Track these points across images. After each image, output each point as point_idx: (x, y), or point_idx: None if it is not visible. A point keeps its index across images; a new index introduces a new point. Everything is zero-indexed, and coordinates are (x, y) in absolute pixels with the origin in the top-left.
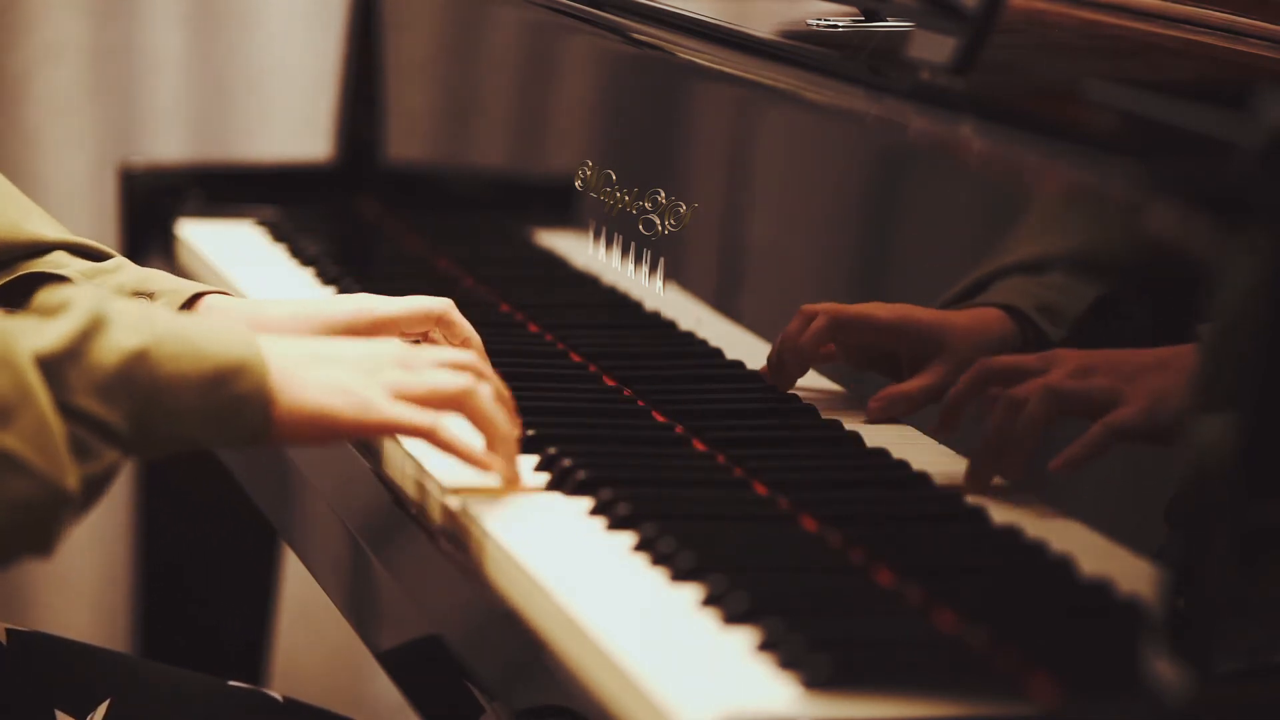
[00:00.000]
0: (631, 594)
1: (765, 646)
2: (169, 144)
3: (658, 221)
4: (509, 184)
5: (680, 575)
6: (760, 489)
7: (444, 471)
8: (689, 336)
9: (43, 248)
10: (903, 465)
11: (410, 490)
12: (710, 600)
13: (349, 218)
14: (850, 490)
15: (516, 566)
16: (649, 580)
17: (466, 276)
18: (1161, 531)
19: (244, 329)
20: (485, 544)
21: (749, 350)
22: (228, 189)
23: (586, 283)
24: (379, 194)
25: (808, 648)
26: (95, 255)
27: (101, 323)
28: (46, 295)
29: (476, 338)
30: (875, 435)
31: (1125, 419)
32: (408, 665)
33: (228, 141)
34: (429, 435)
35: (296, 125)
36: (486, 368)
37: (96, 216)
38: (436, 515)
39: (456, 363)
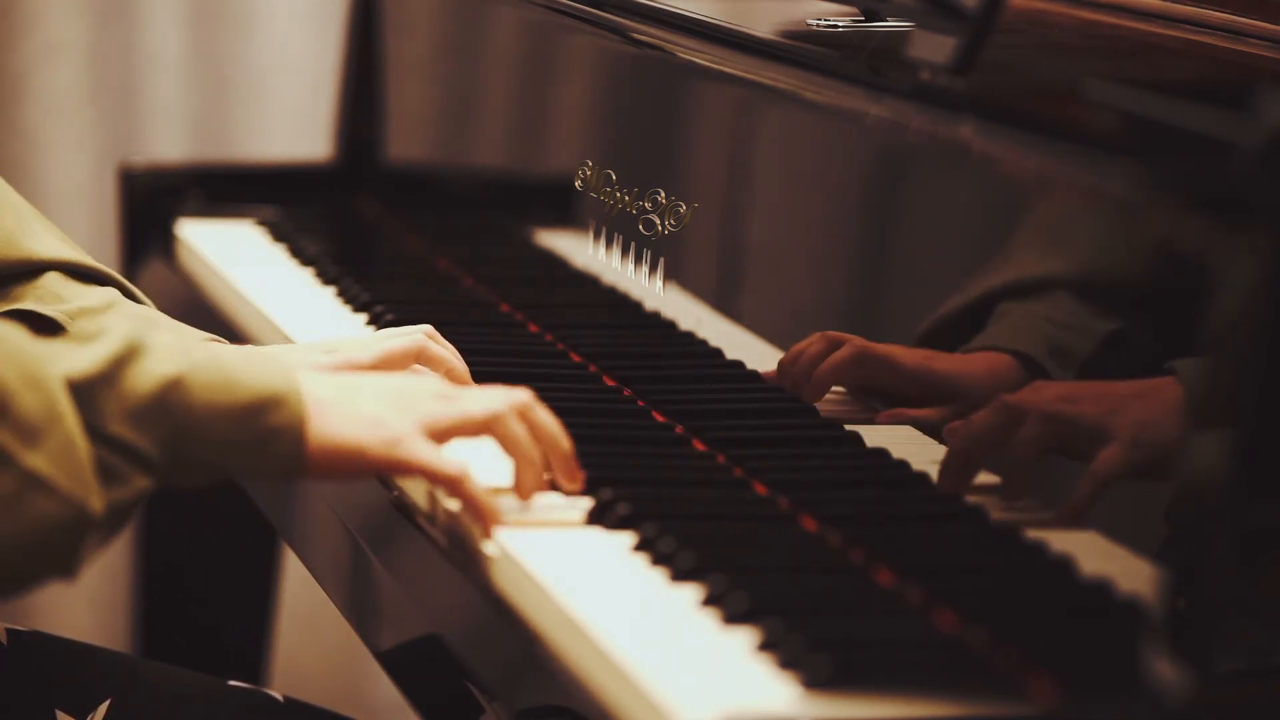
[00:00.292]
0: (631, 594)
1: (765, 646)
2: (169, 144)
3: (658, 221)
4: (509, 184)
5: (680, 575)
6: (760, 489)
7: (471, 474)
8: (689, 336)
9: (35, 268)
10: (903, 465)
11: (410, 491)
12: (710, 600)
13: (349, 218)
14: (850, 490)
15: (516, 566)
16: (649, 580)
17: (466, 276)
18: (1161, 531)
19: (282, 361)
20: (485, 544)
21: (749, 350)
22: (228, 189)
23: (586, 283)
24: (379, 194)
25: (808, 648)
26: (92, 276)
27: (138, 350)
28: (82, 323)
29: (459, 365)
30: (875, 435)
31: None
32: (408, 665)
33: (228, 141)
34: (455, 485)
35: (296, 125)
36: (535, 403)
37: (96, 216)
38: (437, 516)
39: (494, 394)
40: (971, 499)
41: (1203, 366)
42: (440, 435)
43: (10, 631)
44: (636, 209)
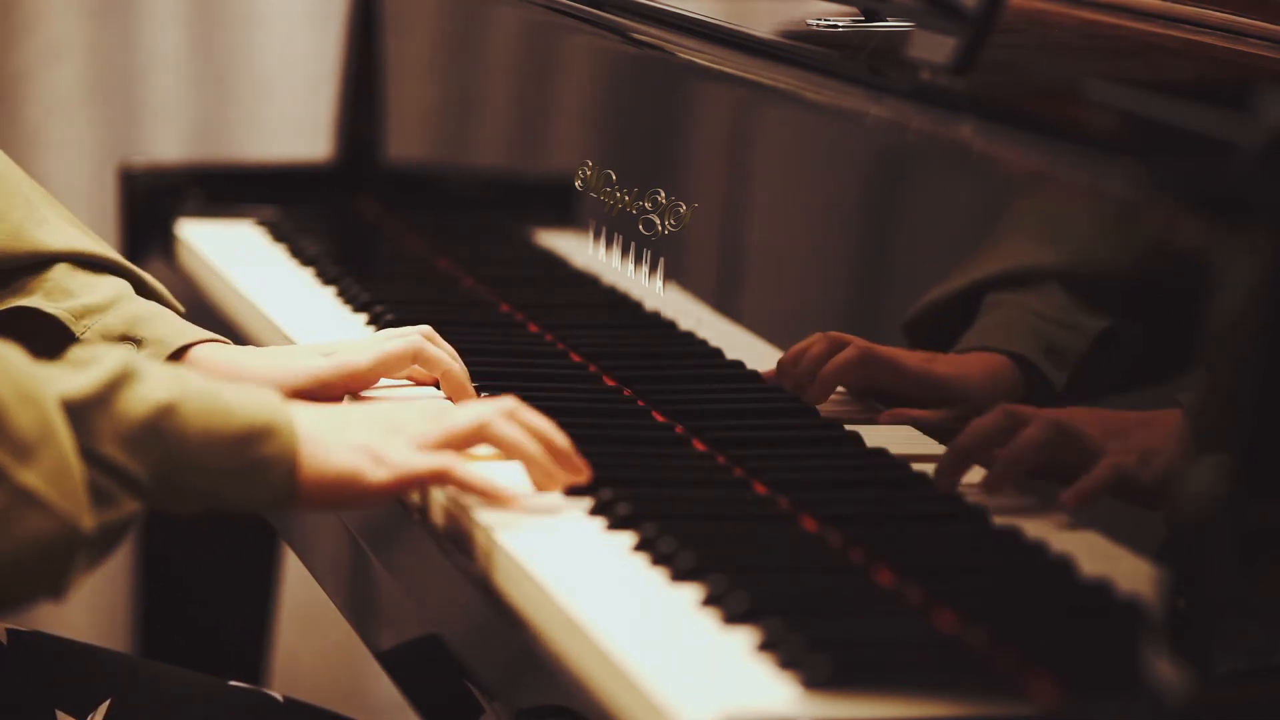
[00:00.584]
0: (631, 594)
1: (765, 646)
2: (169, 144)
3: (658, 221)
4: (509, 184)
5: (680, 575)
6: (760, 489)
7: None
8: (689, 336)
9: (44, 259)
10: (903, 465)
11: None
12: (710, 600)
13: (349, 218)
14: (850, 490)
15: (516, 566)
16: (649, 580)
17: (466, 276)
18: (1161, 531)
19: (274, 392)
20: (485, 544)
21: (749, 350)
22: (228, 189)
23: (586, 283)
24: (379, 194)
25: (808, 648)
26: (101, 265)
27: (132, 375)
28: (78, 350)
29: (454, 367)
30: (875, 435)
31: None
32: (408, 665)
33: (228, 141)
34: (444, 477)
35: (296, 125)
36: (520, 406)
37: (96, 216)
38: (437, 516)
39: (480, 405)
40: (971, 499)
41: (1203, 366)
42: (431, 449)
43: (10, 631)
44: (636, 209)
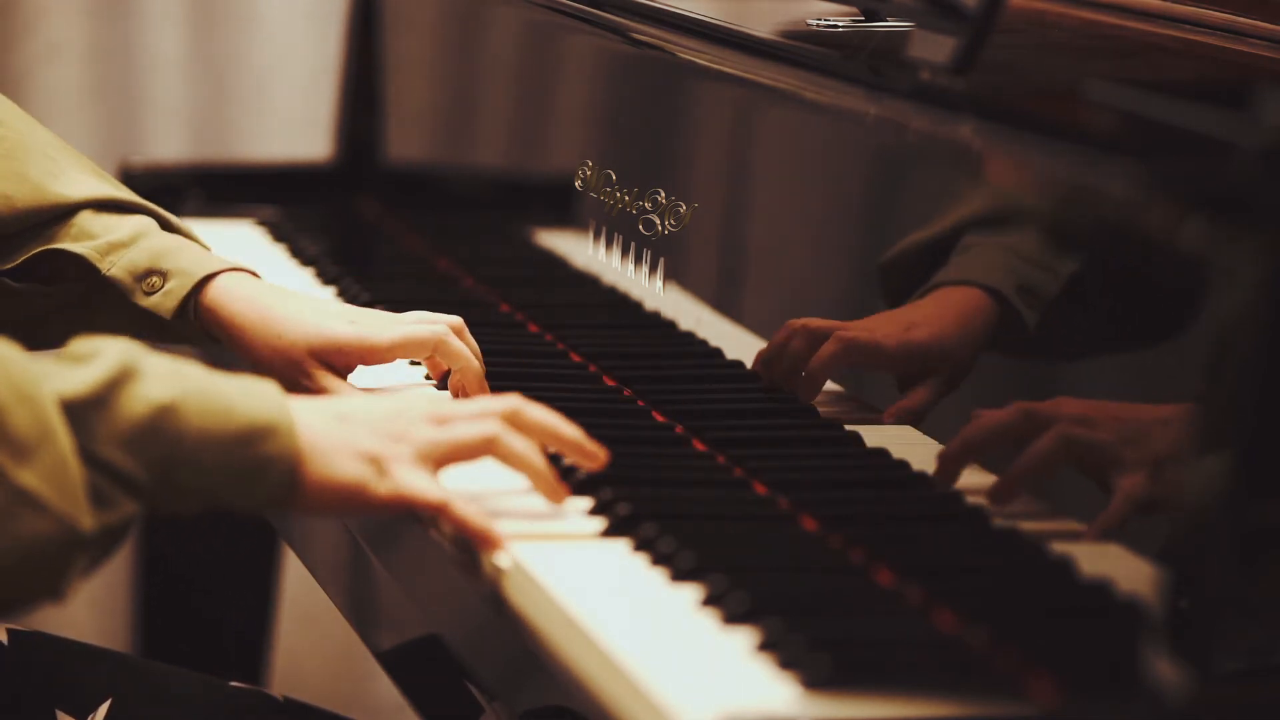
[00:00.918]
0: (632, 594)
1: (765, 646)
2: (169, 144)
3: (658, 221)
4: (509, 184)
5: (680, 575)
6: (760, 489)
7: (444, 473)
8: (689, 336)
9: (68, 209)
10: (903, 465)
11: None
12: (710, 600)
13: (349, 218)
14: (850, 490)
15: (516, 566)
16: (649, 580)
17: (466, 276)
18: (1162, 531)
19: (276, 389)
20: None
21: (749, 350)
22: (228, 189)
23: (586, 283)
24: (379, 194)
25: (808, 648)
26: (124, 206)
27: (131, 373)
28: (78, 343)
29: (473, 364)
30: (875, 435)
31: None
32: (408, 665)
33: (228, 141)
34: (441, 513)
35: (296, 125)
36: (524, 404)
37: None
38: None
39: (486, 411)
40: (971, 499)
41: (1203, 366)
42: (438, 462)
43: (10, 631)
44: (636, 209)
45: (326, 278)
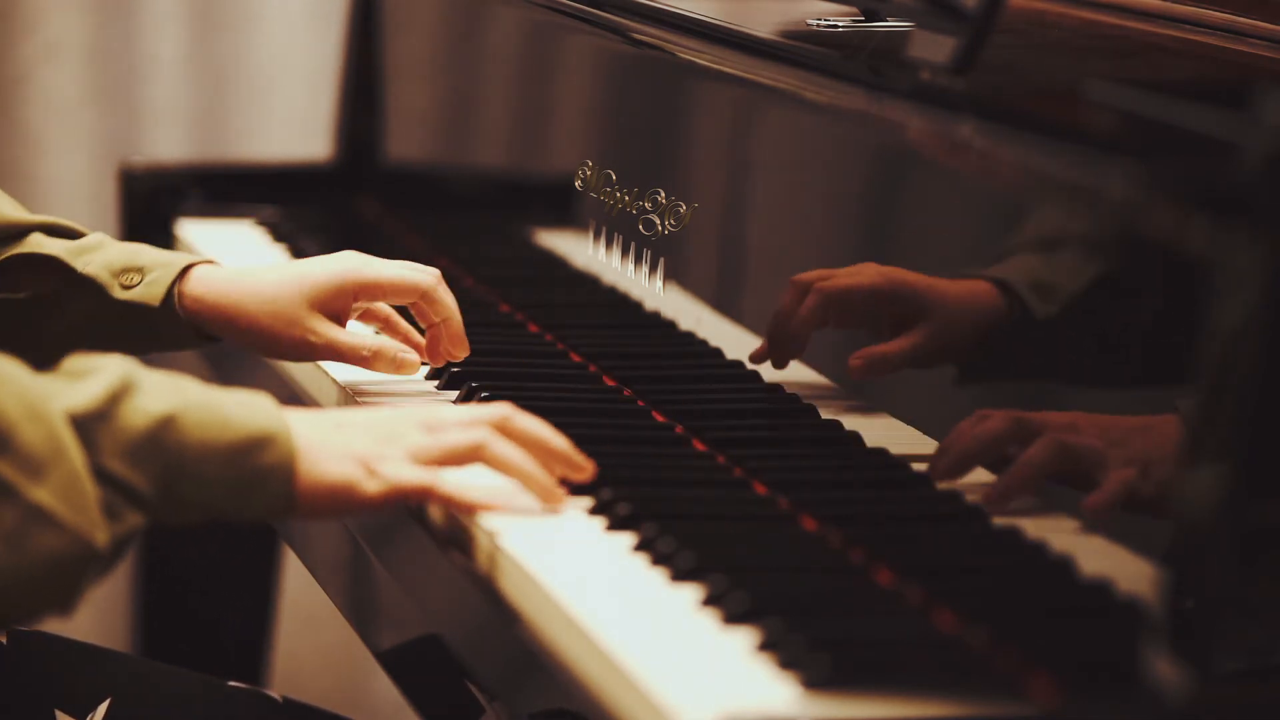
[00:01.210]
0: (632, 594)
1: (765, 646)
2: (169, 144)
3: (658, 221)
4: (509, 184)
5: (680, 575)
6: (760, 489)
7: (444, 473)
8: (689, 336)
9: (18, 230)
10: (903, 465)
11: None
12: (710, 600)
13: (349, 218)
14: (850, 490)
15: (516, 566)
16: (649, 580)
17: (466, 276)
18: (1162, 532)
19: (271, 400)
20: (485, 544)
21: (749, 350)
22: (228, 189)
23: (586, 283)
24: (379, 194)
25: (808, 648)
26: (71, 235)
27: (131, 387)
28: (75, 360)
29: (456, 317)
30: (875, 435)
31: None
32: (408, 665)
33: (228, 141)
34: (429, 494)
35: (296, 125)
36: (514, 413)
37: (96, 217)
38: (437, 516)
39: (476, 419)
40: (971, 499)
41: (1203, 366)
42: (428, 465)
43: (10, 631)
44: (636, 209)
45: None
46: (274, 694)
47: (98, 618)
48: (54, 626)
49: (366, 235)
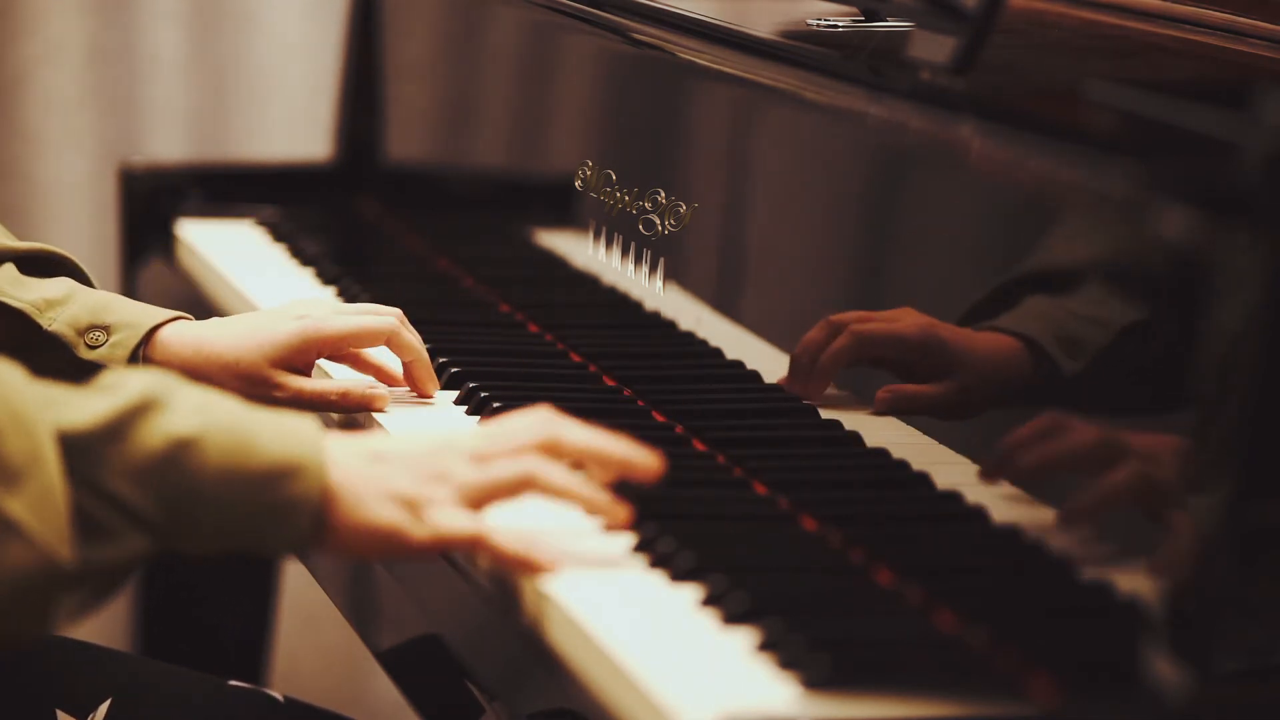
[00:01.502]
0: (631, 594)
1: (765, 646)
2: (169, 144)
3: (658, 221)
4: (509, 184)
5: (680, 575)
6: (760, 489)
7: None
8: (689, 336)
9: None
10: (903, 465)
11: None
12: (710, 600)
13: (349, 218)
14: (850, 490)
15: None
16: (649, 580)
17: (466, 276)
18: (1162, 532)
19: (312, 425)
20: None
21: (749, 350)
22: (228, 189)
23: (586, 283)
24: (379, 194)
25: (808, 648)
26: (48, 259)
27: (154, 405)
28: (110, 375)
29: (423, 357)
30: (875, 435)
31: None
32: (408, 665)
33: (228, 141)
34: (479, 546)
35: (296, 125)
36: (564, 429)
37: (96, 216)
38: None
39: (526, 444)
40: (971, 499)
41: (1203, 366)
42: (477, 504)
43: None
44: (636, 209)
45: (326, 278)
46: (274, 694)
47: (98, 618)
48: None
49: (366, 235)
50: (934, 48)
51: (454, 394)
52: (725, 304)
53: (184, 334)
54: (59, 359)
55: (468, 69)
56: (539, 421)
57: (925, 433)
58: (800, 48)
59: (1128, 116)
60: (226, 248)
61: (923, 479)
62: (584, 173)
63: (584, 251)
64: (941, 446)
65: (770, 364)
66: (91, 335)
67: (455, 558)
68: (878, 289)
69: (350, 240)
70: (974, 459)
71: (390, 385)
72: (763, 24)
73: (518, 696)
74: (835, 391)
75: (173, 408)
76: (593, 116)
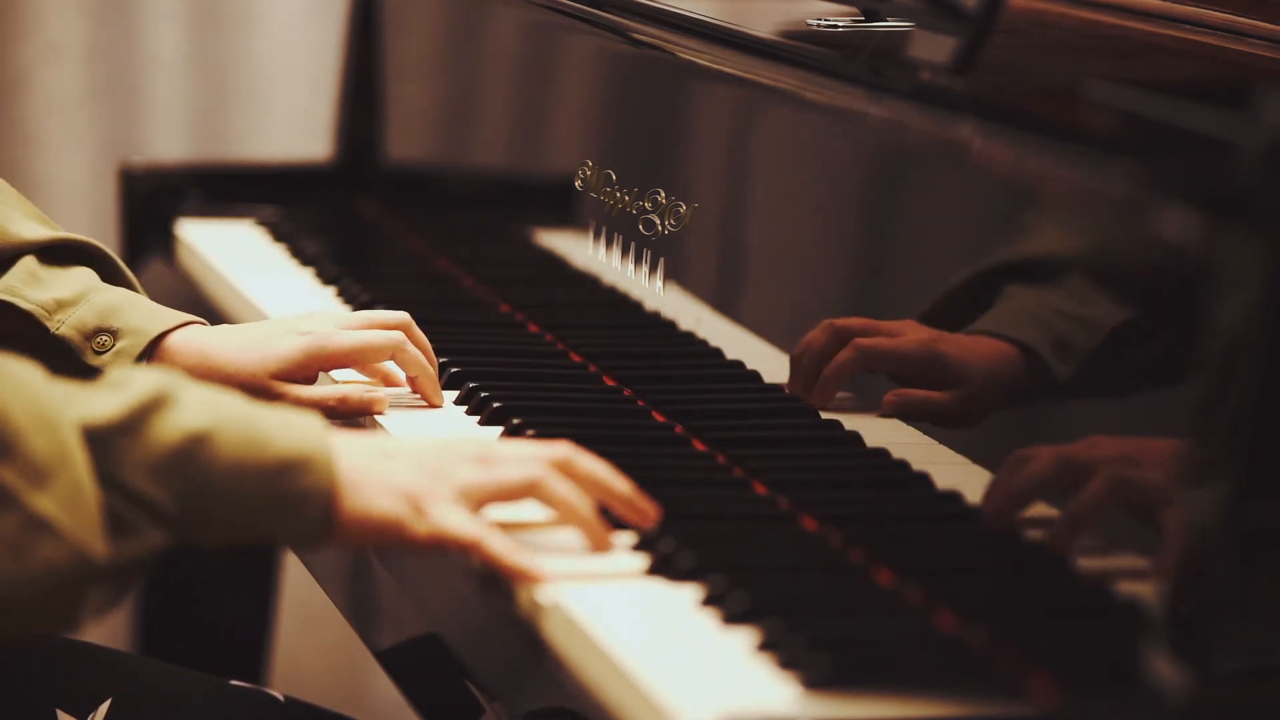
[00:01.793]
0: (631, 594)
1: (765, 646)
2: (169, 144)
3: (658, 221)
4: (509, 184)
5: (680, 575)
6: (760, 489)
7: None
8: (689, 336)
9: (16, 252)
10: (903, 465)
11: None
12: (710, 600)
13: (349, 218)
14: (850, 490)
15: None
16: (649, 580)
17: (466, 276)
18: (1162, 531)
19: (319, 421)
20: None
21: (749, 350)
22: (228, 189)
23: (586, 283)
24: (379, 194)
25: (808, 648)
26: (68, 249)
27: (165, 401)
28: (118, 372)
29: (427, 370)
30: (875, 435)
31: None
32: (408, 665)
33: (228, 141)
34: (474, 550)
35: (296, 125)
36: (578, 454)
37: (96, 217)
38: None
39: (536, 456)
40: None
41: (1203, 366)
42: (478, 503)
43: None
44: (636, 209)
45: (326, 278)
46: (274, 693)
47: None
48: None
49: (366, 235)
50: (934, 48)
51: (454, 394)
52: (725, 304)
53: (190, 343)
54: (67, 363)
55: (468, 69)
56: (557, 446)
57: (925, 433)
58: (800, 48)
59: (1128, 116)
60: (226, 248)
61: (923, 479)
62: (584, 173)
63: (584, 251)
64: (942, 447)
65: (770, 364)
66: (98, 340)
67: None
68: (877, 289)
69: (350, 240)
70: (974, 459)
71: (395, 387)
72: (763, 24)
73: (517, 696)
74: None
75: (182, 403)
76: (593, 116)
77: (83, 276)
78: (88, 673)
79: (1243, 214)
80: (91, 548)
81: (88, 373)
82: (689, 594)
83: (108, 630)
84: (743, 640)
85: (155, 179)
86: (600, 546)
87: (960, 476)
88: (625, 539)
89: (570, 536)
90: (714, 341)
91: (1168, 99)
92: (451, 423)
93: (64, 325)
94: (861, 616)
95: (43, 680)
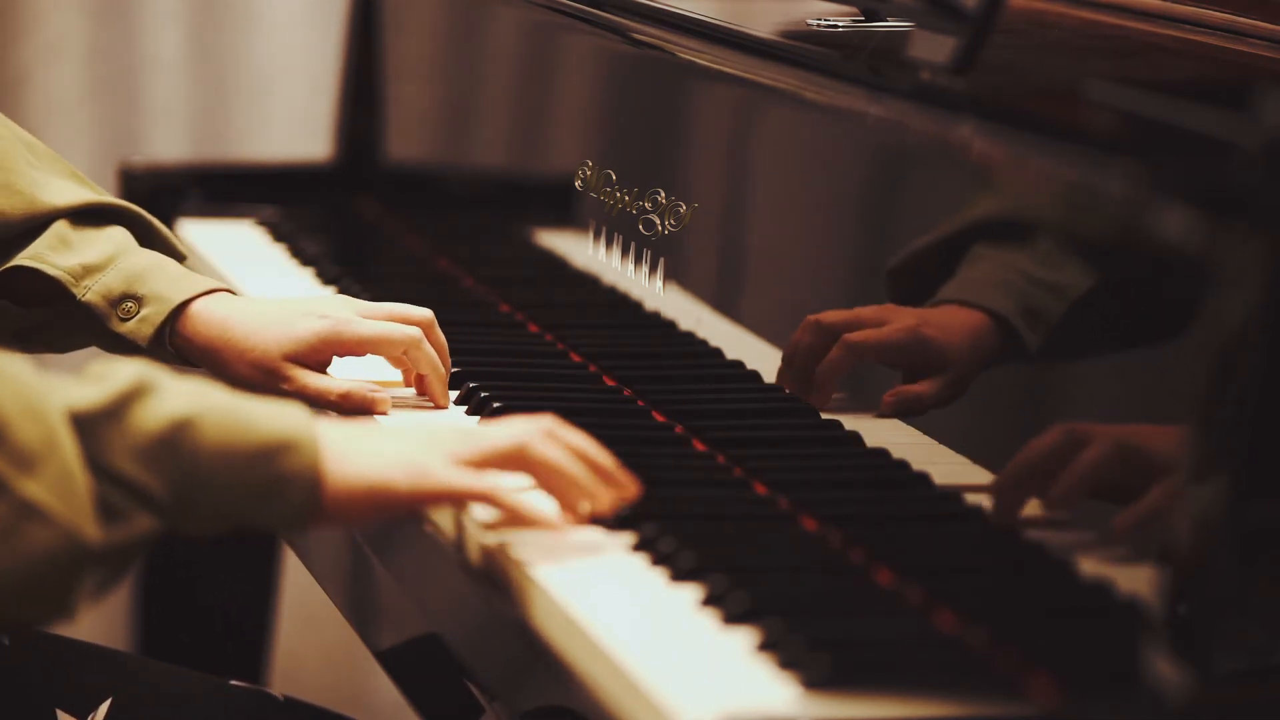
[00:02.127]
0: (631, 594)
1: (765, 646)
2: (169, 144)
3: (658, 221)
4: (509, 184)
5: (680, 575)
6: (760, 489)
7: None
8: (689, 336)
9: (49, 218)
10: (903, 465)
11: None
12: (710, 600)
13: (349, 218)
14: (850, 490)
15: (515, 565)
16: (649, 580)
17: (466, 276)
18: (1161, 532)
19: (303, 410)
20: (484, 543)
21: (749, 350)
22: (228, 189)
23: (586, 283)
24: (379, 194)
25: (808, 648)
26: (101, 212)
27: (148, 389)
28: (97, 365)
29: (438, 370)
30: (875, 435)
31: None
32: (408, 665)
33: (228, 141)
34: (488, 500)
35: (296, 125)
36: (559, 425)
37: None
38: (435, 516)
39: (518, 426)
40: (971, 499)
41: (1203, 366)
42: (471, 466)
43: (11, 631)
44: (636, 209)
45: (326, 278)
46: (274, 693)
47: (98, 617)
48: (55, 626)
49: (366, 235)
50: (934, 48)
51: (454, 394)
52: (725, 304)
53: (214, 312)
54: (93, 328)
55: (468, 69)
56: (539, 419)
57: (925, 433)
58: (800, 48)
59: (1128, 116)
60: (226, 248)
61: (923, 479)
62: (584, 173)
63: (584, 251)
64: (942, 446)
65: (770, 364)
66: (124, 306)
67: (456, 556)
68: (878, 289)
69: (350, 240)
70: (974, 459)
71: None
72: (763, 24)
73: (517, 696)
74: (836, 393)
75: (164, 391)
76: (593, 116)
77: (114, 238)
78: (88, 673)
79: (1243, 214)
80: (83, 531)
81: (115, 340)
82: (689, 594)
83: (108, 630)
84: (743, 640)
85: (155, 179)
86: (593, 506)
87: (960, 476)
88: (625, 539)
89: (575, 537)
90: (714, 341)
91: (1168, 99)
92: (451, 422)
93: (90, 291)
94: (861, 616)
95: (43, 680)
